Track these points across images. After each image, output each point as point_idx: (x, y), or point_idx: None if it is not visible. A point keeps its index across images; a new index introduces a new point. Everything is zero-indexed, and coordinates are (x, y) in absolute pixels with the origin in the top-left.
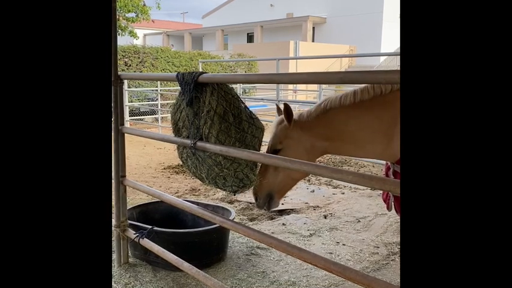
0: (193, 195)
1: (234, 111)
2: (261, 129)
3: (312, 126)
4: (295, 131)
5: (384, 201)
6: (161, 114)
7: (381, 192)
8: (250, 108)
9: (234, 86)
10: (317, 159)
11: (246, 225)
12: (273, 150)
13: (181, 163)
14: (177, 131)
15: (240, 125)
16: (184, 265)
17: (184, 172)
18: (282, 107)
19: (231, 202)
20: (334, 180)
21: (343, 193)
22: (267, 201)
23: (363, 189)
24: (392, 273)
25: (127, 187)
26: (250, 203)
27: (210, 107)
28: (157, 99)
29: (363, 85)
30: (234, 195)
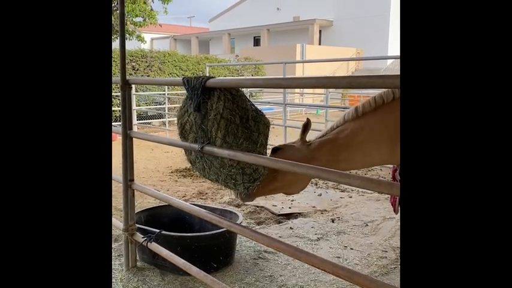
0: (201, 198)
1: (241, 112)
2: (266, 125)
3: (319, 144)
4: (301, 143)
5: (392, 204)
6: (168, 118)
7: (389, 195)
8: None
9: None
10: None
11: (254, 229)
12: (274, 147)
13: (188, 166)
14: (183, 134)
15: (247, 123)
16: (192, 269)
17: (191, 175)
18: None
19: (238, 206)
20: (342, 184)
21: (351, 197)
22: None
23: (371, 193)
24: None
25: (135, 191)
26: (258, 207)
27: (217, 112)
28: (164, 103)
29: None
30: (248, 192)
